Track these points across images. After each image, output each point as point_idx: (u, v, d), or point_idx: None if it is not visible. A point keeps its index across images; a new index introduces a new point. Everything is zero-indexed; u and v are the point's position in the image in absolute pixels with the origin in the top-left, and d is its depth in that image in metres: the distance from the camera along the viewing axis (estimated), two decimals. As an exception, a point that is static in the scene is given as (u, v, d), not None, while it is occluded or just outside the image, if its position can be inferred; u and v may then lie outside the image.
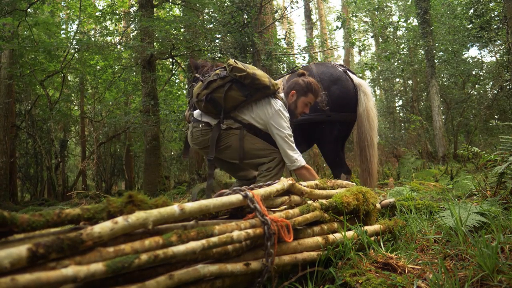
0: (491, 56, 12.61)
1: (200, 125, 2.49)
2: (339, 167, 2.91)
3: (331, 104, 2.81)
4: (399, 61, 12.41)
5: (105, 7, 9.42)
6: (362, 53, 17.23)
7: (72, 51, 8.45)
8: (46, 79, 9.12)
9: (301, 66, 4.42)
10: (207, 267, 0.89)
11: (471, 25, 9.54)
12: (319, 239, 1.21)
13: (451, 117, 10.39)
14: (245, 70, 2.25)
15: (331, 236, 1.25)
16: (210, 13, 7.79)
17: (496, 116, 10.93)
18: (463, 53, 11.30)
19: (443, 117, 9.92)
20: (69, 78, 11.31)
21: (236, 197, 1.01)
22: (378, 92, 17.91)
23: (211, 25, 7.33)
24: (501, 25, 8.75)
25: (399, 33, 13.34)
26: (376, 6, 12.18)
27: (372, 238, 1.39)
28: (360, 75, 10.73)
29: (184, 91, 11.08)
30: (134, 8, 9.16)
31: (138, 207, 0.84)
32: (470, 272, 1.05)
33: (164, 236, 0.82)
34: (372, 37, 12.77)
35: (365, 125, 2.91)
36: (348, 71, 3.04)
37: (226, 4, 6.97)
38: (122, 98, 10.83)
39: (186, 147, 2.80)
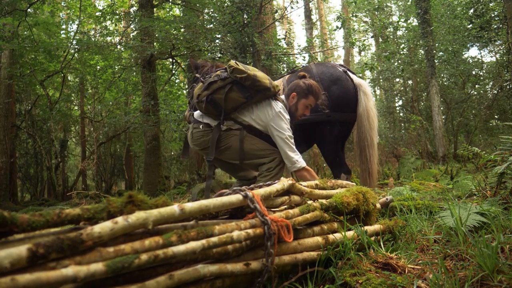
0: (491, 56, 12.63)
1: (201, 126, 2.49)
2: (339, 167, 2.91)
3: (331, 104, 2.81)
4: (399, 61, 12.42)
5: (105, 7, 9.43)
6: (362, 53, 17.25)
7: (72, 51, 8.45)
8: (46, 79, 9.12)
9: (301, 66, 4.42)
10: (207, 267, 0.89)
11: (471, 25, 9.54)
12: (319, 239, 1.21)
13: (451, 117, 10.39)
14: (246, 71, 2.25)
15: (331, 236, 1.25)
16: (210, 13, 7.79)
17: (496, 116, 10.94)
18: (463, 53, 11.31)
19: (443, 117, 9.93)
20: (69, 78, 11.31)
21: (236, 197, 1.01)
22: (378, 92, 17.92)
23: (211, 25, 7.33)
24: (501, 25, 8.76)
25: (399, 33, 13.34)
26: (376, 6, 12.18)
27: (372, 238, 1.39)
28: (360, 75, 10.73)
29: (184, 91, 11.09)
30: (134, 8, 9.17)
31: (138, 207, 0.84)
32: (470, 272, 1.05)
33: (164, 236, 0.82)
34: (372, 37, 12.77)
35: (365, 125, 2.91)
36: (348, 71, 3.04)
37: (226, 4, 6.97)
38: (122, 98, 10.83)
39: (185, 148, 2.80)
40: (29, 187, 10.97)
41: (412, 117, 9.97)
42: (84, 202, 5.94)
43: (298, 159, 2.31)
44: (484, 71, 11.28)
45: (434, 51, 9.31)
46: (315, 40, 11.84)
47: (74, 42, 8.07)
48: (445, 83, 11.48)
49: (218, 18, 7.04)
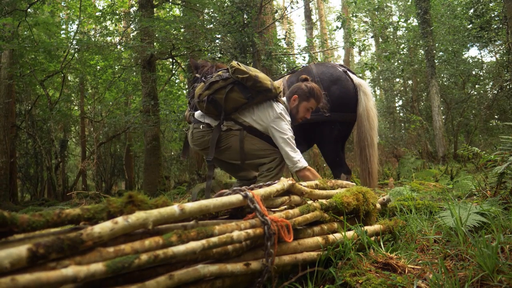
0: (491, 56, 12.64)
1: (201, 126, 2.49)
2: (339, 167, 2.91)
3: (331, 104, 2.81)
4: (399, 61, 12.42)
5: (105, 7, 9.43)
6: (362, 53, 17.25)
7: (72, 51, 8.45)
8: (46, 79, 9.12)
9: (301, 66, 4.42)
10: (207, 267, 0.89)
11: (471, 25, 9.55)
12: (319, 239, 1.21)
13: (451, 117, 10.39)
14: (248, 72, 2.25)
15: (331, 236, 1.25)
16: (210, 13, 7.79)
17: (496, 116, 10.94)
18: (463, 53, 11.31)
19: (443, 117, 9.93)
20: (69, 78, 11.32)
21: (236, 197, 1.01)
22: (378, 92, 17.93)
23: (211, 25, 7.34)
24: (501, 25, 8.76)
25: (399, 33, 13.34)
26: (376, 6, 12.18)
27: (372, 238, 1.39)
28: (360, 75, 10.73)
29: (184, 91, 11.09)
30: (134, 8, 9.17)
31: (138, 207, 0.84)
32: (470, 272, 1.05)
33: (164, 236, 0.82)
34: (372, 37, 12.77)
35: (365, 125, 2.91)
36: (348, 71, 3.04)
37: (226, 4, 6.97)
38: (122, 98, 10.83)
39: (185, 148, 2.80)
40: (29, 187, 10.97)
41: (412, 117, 9.98)
42: (84, 202, 5.93)
43: (300, 159, 2.30)
44: (484, 71, 11.28)
45: (434, 51, 9.31)
46: (315, 40, 11.84)
47: (74, 42, 8.07)
48: (445, 83, 11.48)
49: (218, 18, 7.04)
